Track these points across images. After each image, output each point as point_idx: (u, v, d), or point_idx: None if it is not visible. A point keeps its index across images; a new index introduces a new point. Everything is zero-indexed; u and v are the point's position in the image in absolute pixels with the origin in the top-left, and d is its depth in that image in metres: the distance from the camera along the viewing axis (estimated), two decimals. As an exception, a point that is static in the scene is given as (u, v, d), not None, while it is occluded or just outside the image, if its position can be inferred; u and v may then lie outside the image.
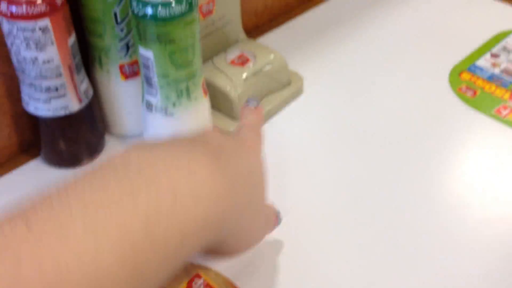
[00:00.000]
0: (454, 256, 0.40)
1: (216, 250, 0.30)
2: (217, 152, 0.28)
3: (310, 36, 0.63)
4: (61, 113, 0.43)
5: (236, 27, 0.55)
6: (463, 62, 0.59)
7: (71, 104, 0.43)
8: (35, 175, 0.46)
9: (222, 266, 0.38)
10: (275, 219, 0.37)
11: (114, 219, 0.22)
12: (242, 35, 0.56)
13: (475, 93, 0.55)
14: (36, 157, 0.47)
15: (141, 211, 0.23)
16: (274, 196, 0.41)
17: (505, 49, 0.61)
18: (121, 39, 0.44)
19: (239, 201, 0.28)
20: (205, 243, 0.26)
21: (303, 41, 0.62)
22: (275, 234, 0.38)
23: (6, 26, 0.39)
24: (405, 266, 0.39)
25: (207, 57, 0.53)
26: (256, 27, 0.64)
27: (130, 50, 0.45)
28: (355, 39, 0.62)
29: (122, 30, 0.43)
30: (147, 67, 0.41)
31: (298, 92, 0.55)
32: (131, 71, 0.46)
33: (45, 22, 0.38)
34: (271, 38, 0.62)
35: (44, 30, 0.39)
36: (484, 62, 0.59)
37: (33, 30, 0.38)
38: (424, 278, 0.39)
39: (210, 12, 0.51)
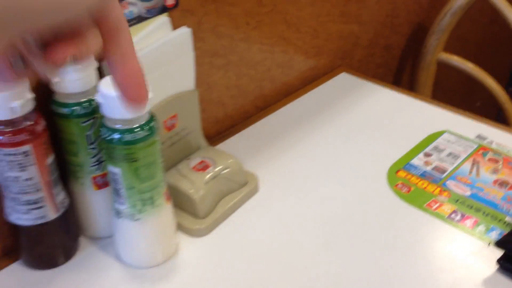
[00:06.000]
0: None
1: None
2: None
3: (265, 140, 0.71)
4: (39, 221, 0.49)
5: (197, 136, 0.63)
6: (399, 161, 0.67)
7: (49, 213, 0.49)
8: (15, 278, 0.51)
9: None
10: None
11: None
12: (203, 142, 0.64)
13: (409, 189, 0.63)
14: (16, 261, 0.53)
15: None
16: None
17: (436, 148, 0.69)
18: (93, 156, 0.51)
19: None
20: None
21: (259, 145, 0.70)
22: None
23: (-7, 151, 0.46)
24: None
25: (172, 164, 0.60)
26: (218, 133, 0.72)
27: (102, 164, 0.51)
28: (305, 143, 0.70)
29: (94, 148, 0.50)
30: (115, 181, 0.48)
31: (254, 191, 0.62)
32: (103, 182, 0.52)
33: (27, 147, 0.45)
34: (231, 143, 0.70)
35: (25, 154, 0.45)
36: (418, 160, 0.67)
37: (16, 155, 0.45)
38: None
39: (173, 126, 0.59)
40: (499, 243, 0.54)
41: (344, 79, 0.85)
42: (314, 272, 0.52)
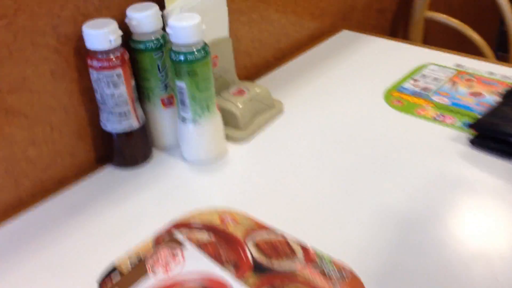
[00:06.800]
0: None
1: None
2: None
3: (285, 81, 0.88)
4: (127, 129, 0.66)
5: (232, 74, 0.80)
6: (393, 86, 0.84)
7: (134, 123, 0.67)
8: (109, 176, 0.69)
9: (246, 209, 0.61)
10: None
11: None
12: (237, 79, 0.81)
13: (402, 103, 0.80)
14: (107, 166, 0.70)
15: None
16: (267, 186, 0.64)
17: (423, 75, 0.86)
18: (162, 81, 0.68)
19: None
20: None
21: (280, 84, 0.87)
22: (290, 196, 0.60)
23: (95, 75, 0.63)
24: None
25: (216, 93, 0.77)
26: (246, 78, 0.89)
27: (168, 88, 0.69)
28: (318, 80, 0.88)
29: (162, 75, 0.68)
30: (181, 93, 0.65)
31: (280, 112, 0.79)
32: (168, 102, 0.70)
33: (119, 70, 0.63)
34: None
35: (118, 75, 0.63)
36: (408, 84, 0.84)
37: (112, 76, 0.63)
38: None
39: (215, 64, 0.77)
40: (471, 126, 0.71)
41: (345, 35, 1.03)
42: (328, 169, 0.69)
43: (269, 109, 0.78)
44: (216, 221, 0.60)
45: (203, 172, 0.69)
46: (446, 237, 0.57)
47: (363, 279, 0.52)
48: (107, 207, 0.64)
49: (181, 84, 0.65)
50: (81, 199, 0.65)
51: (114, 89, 0.64)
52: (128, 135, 0.67)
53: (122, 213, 0.63)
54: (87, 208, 0.64)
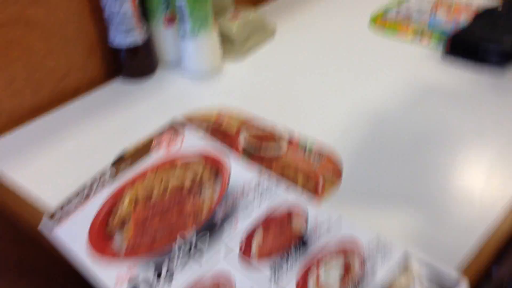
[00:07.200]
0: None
1: None
2: None
3: (280, 10, 0.95)
4: (134, 43, 0.74)
5: (228, 1, 0.87)
6: (379, 14, 0.91)
7: (139, 39, 0.74)
8: (117, 88, 0.77)
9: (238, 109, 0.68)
10: None
11: None
12: (232, 6, 0.88)
13: (385, 28, 0.87)
14: (115, 80, 0.78)
15: None
16: (260, 92, 0.72)
17: (406, 7, 0.93)
18: (164, 1, 0.76)
19: None
20: None
21: (275, 12, 0.94)
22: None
23: (103, -7, 0.71)
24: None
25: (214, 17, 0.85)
26: (243, 9, 0.97)
27: (170, 7, 0.76)
28: (308, 10, 0.95)
29: (164, -5, 0.76)
30: (181, 10, 0.72)
31: (272, 36, 0.87)
32: (170, 20, 0.77)
33: (125, -13, 0.71)
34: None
35: (124, -8, 0.71)
36: (392, 13, 0.91)
37: (119, -7, 0.70)
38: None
39: (213, -9, 0.84)
40: (445, 40, 0.78)
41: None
42: (315, 78, 0.77)
43: (262, 32, 0.86)
44: (213, 118, 0.68)
45: (202, 83, 0.77)
46: (414, 128, 0.64)
47: (341, 156, 0.60)
48: (116, 112, 0.72)
49: (182, 2, 0.72)
50: (94, 106, 0.73)
51: (120, 6, 0.71)
52: (134, 50, 0.75)
53: (129, 116, 0.71)
54: (99, 113, 0.72)
